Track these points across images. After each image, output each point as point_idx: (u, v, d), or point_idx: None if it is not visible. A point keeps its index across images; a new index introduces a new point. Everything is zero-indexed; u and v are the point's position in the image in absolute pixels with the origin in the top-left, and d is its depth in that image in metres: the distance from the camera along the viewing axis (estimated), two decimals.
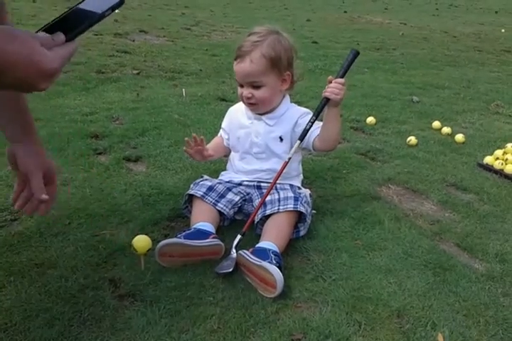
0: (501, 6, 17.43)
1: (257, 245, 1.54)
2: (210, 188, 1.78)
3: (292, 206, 1.66)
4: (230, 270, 1.48)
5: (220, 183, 1.84)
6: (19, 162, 1.22)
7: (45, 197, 1.17)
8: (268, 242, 1.55)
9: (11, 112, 1.27)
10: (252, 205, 1.82)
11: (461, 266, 1.63)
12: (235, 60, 1.72)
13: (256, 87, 1.71)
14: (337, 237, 1.76)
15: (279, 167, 1.75)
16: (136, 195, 1.96)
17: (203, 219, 1.67)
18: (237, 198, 1.81)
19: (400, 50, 6.49)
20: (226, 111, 2.02)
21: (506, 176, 2.40)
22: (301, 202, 1.69)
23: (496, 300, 1.48)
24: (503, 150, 2.54)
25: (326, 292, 1.46)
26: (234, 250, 1.55)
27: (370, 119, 3.13)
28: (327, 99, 1.67)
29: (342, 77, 1.68)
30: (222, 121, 2.00)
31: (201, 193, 1.75)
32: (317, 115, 1.70)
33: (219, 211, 1.75)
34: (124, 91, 3.50)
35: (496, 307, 1.44)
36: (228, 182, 1.89)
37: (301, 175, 1.98)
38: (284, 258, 1.57)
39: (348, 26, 8.80)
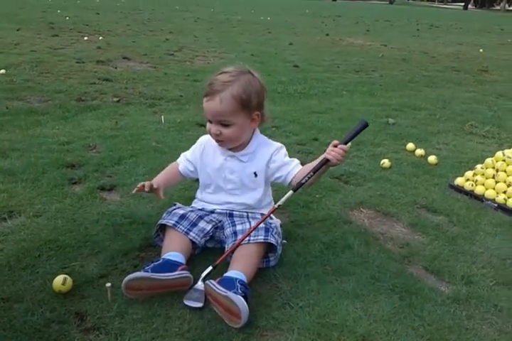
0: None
1: (225, 274, 1.56)
2: (183, 216, 1.80)
3: (263, 238, 1.69)
4: (201, 305, 1.50)
5: (192, 211, 1.87)
6: None
7: None
8: (236, 271, 1.56)
9: None
10: (224, 233, 1.84)
11: (428, 290, 1.66)
12: (205, 96, 1.70)
13: (225, 125, 1.71)
14: (306, 263, 1.78)
15: (251, 202, 1.83)
16: (108, 224, 1.97)
17: (173, 249, 1.68)
18: (208, 227, 1.83)
19: (379, 71, 6.62)
20: None
21: (476, 197, 2.45)
22: (271, 234, 1.72)
23: (460, 323, 1.50)
24: (473, 171, 2.60)
25: (293, 319, 1.47)
26: (201, 282, 1.56)
27: None
28: (327, 160, 1.67)
29: (346, 143, 1.68)
30: None
31: (173, 222, 1.77)
32: (314, 172, 1.71)
33: (191, 240, 1.77)
34: (103, 119, 3.53)
35: (460, 331, 1.47)
36: (201, 209, 1.91)
37: (273, 202, 2.01)
38: (253, 286, 1.59)
39: (330, 49, 8.97)
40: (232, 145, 1.80)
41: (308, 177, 1.71)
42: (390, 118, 3.94)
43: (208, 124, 1.76)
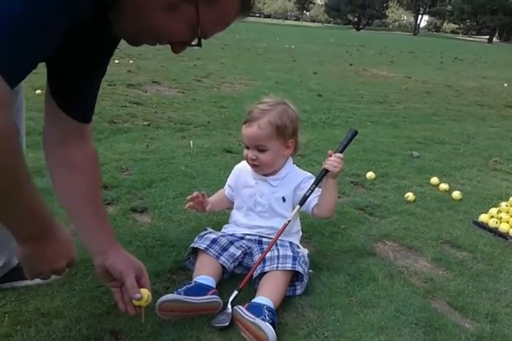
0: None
1: (253, 300, 1.61)
2: (214, 241, 1.88)
3: (290, 266, 1.75)
4: (226, 324, 1.55)
5: (223, 236, 1.94)
6: (112, 269, 1.34)
7: (138, 295, 1.33)
8: (264, 297, 1.61)
9: (96, 223, 1.44)
10: (252, 260, 1.90)
11: (452, 326, 1.68)
12: (244, 123, 1.87)
13: (261, 150, 1.84)
14: (332, 293, 1.82)
15: (279, 226, 1.87)
16: (140, 246, 2.04)
17: (205, 273, 1.75)
18: (238, 252, 1.90)
19: (403, 103, 6.70)
20: (231, 163, 2.15)
21: (500, 234, 2.47)
22: (299, 262, 1.77)
23: None
24: (498, 208, 2.62)
25: None
26: (230, 305, 1.62)
27: (370, 174, 3.24)
28: (326, 171, 1.81)
29: (341, 152, 1.85)
30: (226, 172, 2.12)
31: (205, 246, 1.84)
32: (316, 184, 1.86)
33: (221, 264, 1.83)
34: (134, 142, 3.65)
35: None
36: (231, 235, 1.98)
37: (300, 232, 2.07)
38: (280, 313, 1.63)
39: (353, 79, 9.10)
40: (267, 170, 1.92)
41: (311, 190, 1.85)
42: (414, 151, 3.99)
43: (245, 150, 1.90)
